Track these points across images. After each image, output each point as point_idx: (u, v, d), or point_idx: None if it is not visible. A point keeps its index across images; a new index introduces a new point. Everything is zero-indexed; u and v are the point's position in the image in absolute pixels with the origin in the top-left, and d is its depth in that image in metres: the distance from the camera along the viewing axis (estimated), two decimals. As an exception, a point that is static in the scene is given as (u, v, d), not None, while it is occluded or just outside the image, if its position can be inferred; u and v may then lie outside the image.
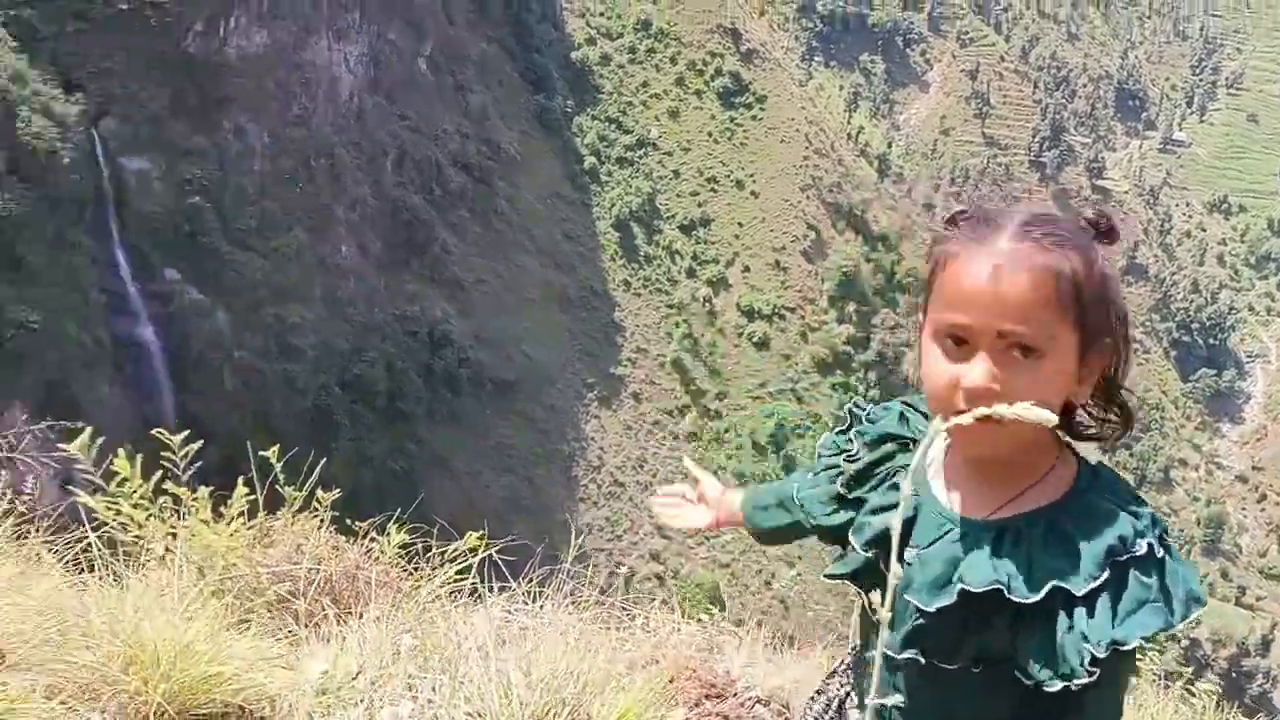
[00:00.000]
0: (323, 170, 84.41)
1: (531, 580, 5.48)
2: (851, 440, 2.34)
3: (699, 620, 6.45)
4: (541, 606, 5.31)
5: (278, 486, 5.15)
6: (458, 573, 5.21)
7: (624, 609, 5.98)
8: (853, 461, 2.29)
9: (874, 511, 2.18)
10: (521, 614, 5.19)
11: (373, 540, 5.42)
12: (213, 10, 79.39)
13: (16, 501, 5.07)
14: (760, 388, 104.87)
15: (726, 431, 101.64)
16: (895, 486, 2.15)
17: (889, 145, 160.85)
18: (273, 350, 75.86)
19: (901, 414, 2.29)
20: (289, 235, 79.56)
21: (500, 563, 5.37)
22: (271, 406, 74.17)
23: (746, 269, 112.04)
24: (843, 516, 2.29)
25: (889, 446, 2.25)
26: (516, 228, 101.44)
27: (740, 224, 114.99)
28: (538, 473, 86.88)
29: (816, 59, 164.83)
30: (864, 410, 2.38)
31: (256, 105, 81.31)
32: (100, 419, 60.17)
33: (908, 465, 1.99)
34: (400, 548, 5.34)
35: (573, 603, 5.51)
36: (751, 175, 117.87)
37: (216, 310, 73.69)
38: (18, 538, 4.82)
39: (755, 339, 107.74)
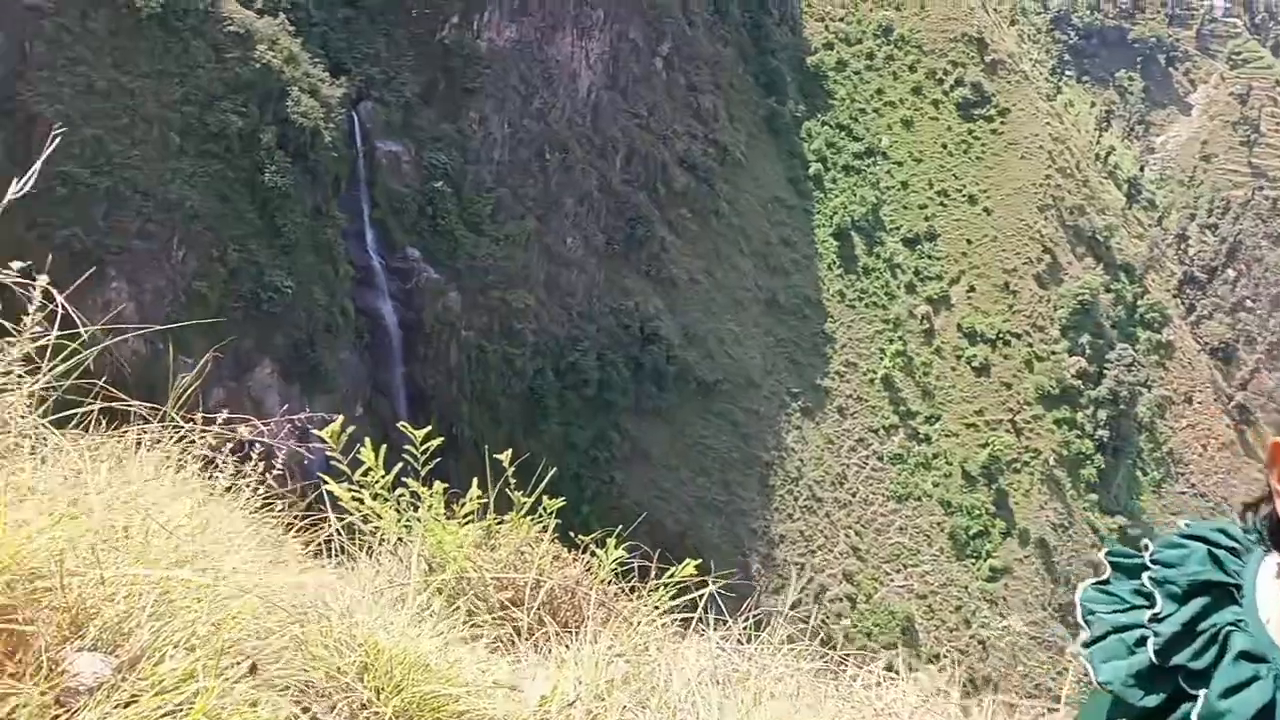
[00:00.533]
0: (555, 163, 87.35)
1: (747, 617, 5.40)
2: (1150, 594, 1.87)
3: (916, 679, 6.07)
4: (757, 647, 5.12)
5: (508, 490, 5.19)
6: (672, 598, 5.11)
7: (837, 655, 5.73)
8: (1161, 621, 1.82)
9: (1228, 693, 1.70)
10: (736, 653, 5.01)
11: (591, 554, 5.36)
12: (469, 4, 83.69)
13: (268, 476, 5.24)
14: (976, 415, 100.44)
15: (935, 457, 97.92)
16: (1243, 655, 1.71)
17: (1141, 169, 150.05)
18: (496, 331, 79.35)
19: (1209, 553, 1.84)
20: (520, 223, 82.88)
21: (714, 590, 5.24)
22: (490, 384, 77.66)
23: (972, 289, 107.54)
24: (1158, 696, 1.79)
25: (1204, 599, 1.80)
26: (734, 229, 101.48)
27: (969, 241, 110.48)
28: (733, 476, 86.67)
29: (1068, 73, 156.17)
30: (1148, 550, 1.93)
31: (500, 97, 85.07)
32: (338, 381, 64.71)
33: (1238, 623, 1.65)
34: (616, 565, 5.28)
35: (789, 644, 5.42)
36: (986, 191, 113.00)
37: (449, 289, 77.69)
38: (263, 512, 4.92)
39: (975, 363, 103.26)
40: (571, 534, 5.61)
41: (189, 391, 4.76)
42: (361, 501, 4.85)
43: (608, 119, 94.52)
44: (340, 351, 71.02)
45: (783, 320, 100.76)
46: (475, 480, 5.07)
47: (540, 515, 5.26)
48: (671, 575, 5.26)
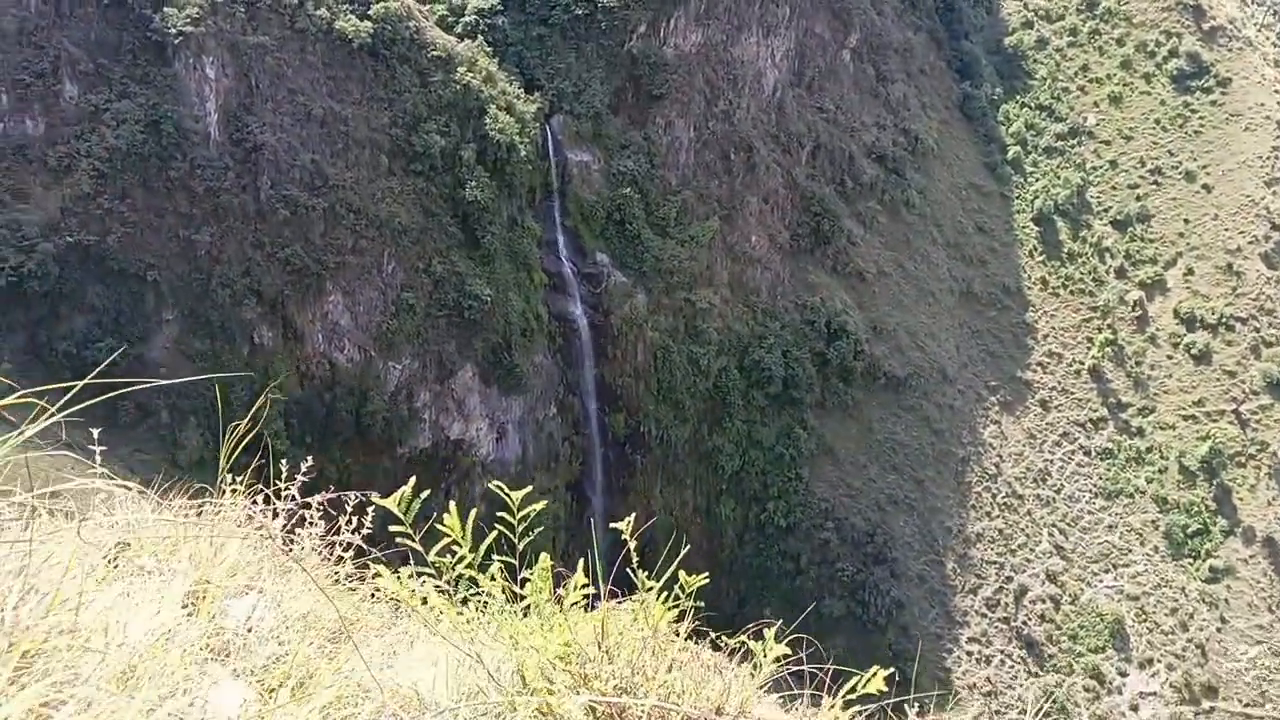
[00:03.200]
0: (740, 162, 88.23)
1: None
2: None
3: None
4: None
5: (631, 569, 4.44)
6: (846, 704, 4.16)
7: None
8: None
9: None
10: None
11: (744, 653, 4.41)
12: (656, 12, 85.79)
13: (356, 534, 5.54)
14: (1195, 406, 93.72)
15: (1148, 451, 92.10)
16: None
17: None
18: (681, 330, 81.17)
19: None
20: (704, 224, 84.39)
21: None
22: (675, 382, 79.55)
23: (1189, 272, 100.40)
24: None
25: None
26: (926, 220, 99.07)
27: (1186, 221, 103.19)
28: (927, 473, 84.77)
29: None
30: None
31: (686, 101, 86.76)
32: (533, 382, 68.59)
33: None
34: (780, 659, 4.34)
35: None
36: (1205, 167, 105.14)
37: (637, 291, 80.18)
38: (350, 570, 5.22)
39: (1194, 351, 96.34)
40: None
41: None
42: (424, 594, 4.33)
43: (793, 115, 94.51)
44: (535, 354, 74.80)
45: (979, 311, 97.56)
46: (580, 567, 4.46)
47: (675, 595, 4.25)
48: (853, 688, 4.17)
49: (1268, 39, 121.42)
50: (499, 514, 4.54)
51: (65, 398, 3.96)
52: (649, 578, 4.37)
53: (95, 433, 4.70)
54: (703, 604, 4.60)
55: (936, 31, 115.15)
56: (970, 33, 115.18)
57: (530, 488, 4.98)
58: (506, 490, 4.53)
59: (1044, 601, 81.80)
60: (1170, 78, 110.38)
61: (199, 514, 5.11)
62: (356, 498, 5.75)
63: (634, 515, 4.70)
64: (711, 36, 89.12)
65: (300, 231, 64.63)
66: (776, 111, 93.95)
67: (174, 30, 61.12)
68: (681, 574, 4.20)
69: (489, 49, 78.84)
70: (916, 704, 4.56)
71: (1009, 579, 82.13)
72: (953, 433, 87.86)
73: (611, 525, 4.93)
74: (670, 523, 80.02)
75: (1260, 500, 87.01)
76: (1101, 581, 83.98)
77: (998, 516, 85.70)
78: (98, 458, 4.55)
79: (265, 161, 63.68)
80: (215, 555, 4.68)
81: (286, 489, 5.59)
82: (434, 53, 73.78)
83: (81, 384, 3.88)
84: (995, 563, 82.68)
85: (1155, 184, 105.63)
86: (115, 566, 4.17)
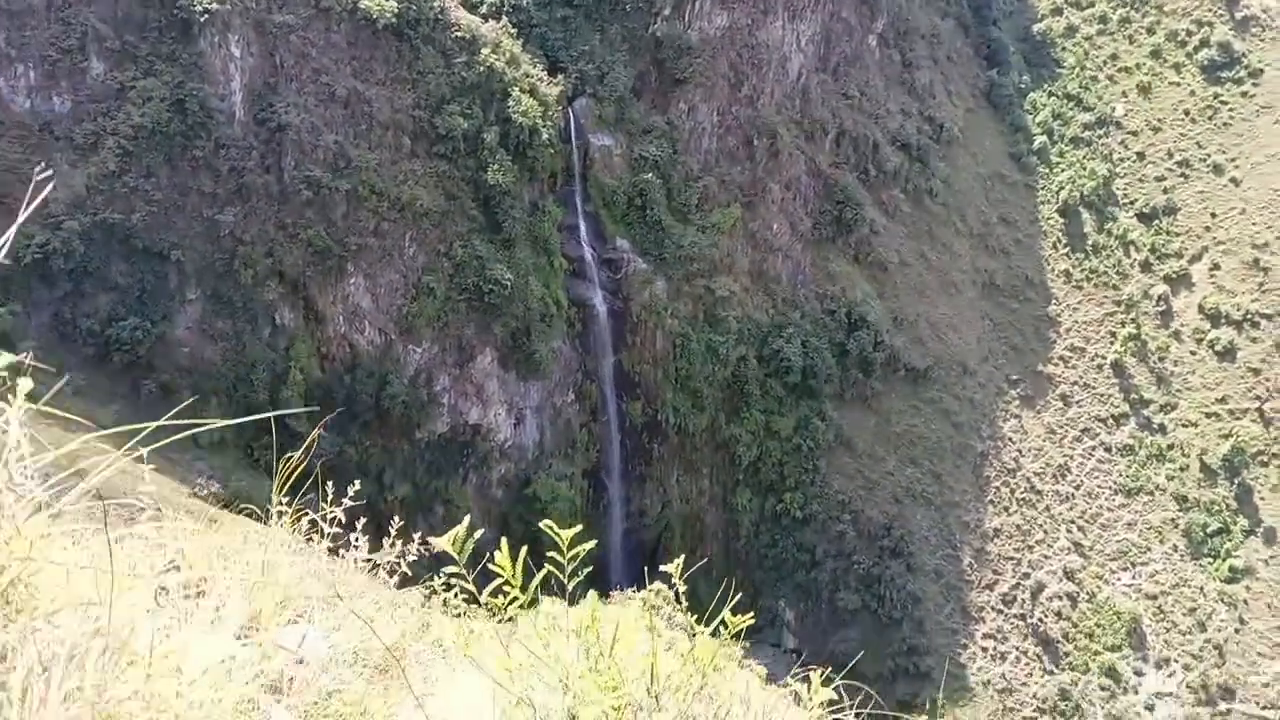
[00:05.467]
0: (763, 149, 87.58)
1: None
2: None
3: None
4: None
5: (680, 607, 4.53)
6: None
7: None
8: None
9: None
10: None
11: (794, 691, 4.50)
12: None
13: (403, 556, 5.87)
14: (1218, 403, 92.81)
15: (1170, 449, 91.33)
16: None
17: None
18: (700, 318, 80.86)
19: None
20: (726, 211, 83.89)
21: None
22: (694, 369, 79.33)
23: (1216, 266, 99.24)
24: None
25: None
26: (950, 209, 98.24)
27: (1214, 214, 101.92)
28: (945, 466, 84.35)
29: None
30: None
31: (710, 85, 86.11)
32: (551, 368, 68.57)
33: None
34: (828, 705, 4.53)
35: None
36: (1234, 160, 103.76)
37: (656, 278, 79.87)
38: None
39: (1219, 347, 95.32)
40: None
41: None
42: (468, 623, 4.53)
43: (817, 101, 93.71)
44: (554, 340, 74.70)
45: (1001, 303, 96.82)
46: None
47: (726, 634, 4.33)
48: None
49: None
50: (549, 553, 4.49)
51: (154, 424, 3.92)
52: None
53: (145, 453, 4.68)
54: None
55: (964, 17, 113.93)
56: (999, 19, 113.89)
57: (580, 526, 4.77)
58: (557, 529, 4.54)
59: (1061, 599, 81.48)
60: (1200, 68, 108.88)
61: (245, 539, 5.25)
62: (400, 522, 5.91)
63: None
64: (737, 20, 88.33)
65: (323, 213, 64.63)
66: (801, 97, 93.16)
67: (200, 8, 61.01)
68: (727, 614, 4.26)
69: (513, 30, 78.41)
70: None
71: (1026, 575, 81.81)
72: (972, 426, 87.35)
73: (661, 568, 5.03)
74: (687, 511, 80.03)
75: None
76: (1119, 579, 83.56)
77: (1016, 512, 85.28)
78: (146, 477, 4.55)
79: (289, 142, 63.63)
80: (265, 580, 4.84)
81: (332, 514, 5.78)
82: (458, 33, 73.43)
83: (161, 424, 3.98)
84: (1012, 558, 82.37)
85: (1183, 176, 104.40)
86: (165, 591, 4.20)
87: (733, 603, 4.53)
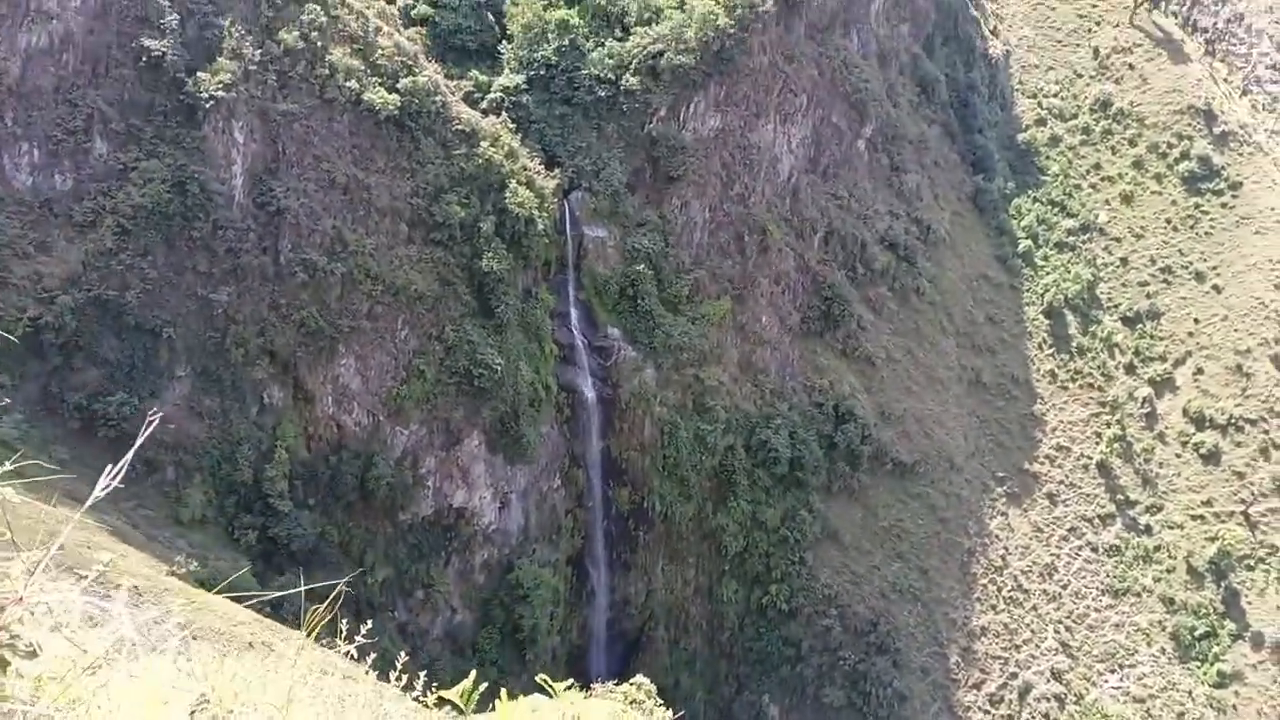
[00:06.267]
0: (753, 244, 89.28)
1: None
2: None
3: None
4: None
5: None
6: None
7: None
8: None
9: None
10: None
11: None
12: (676, 97, 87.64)
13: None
14: (1204, 506, 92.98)
15: (1157, 550, 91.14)
16: None
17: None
18: (689, 407, 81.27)
19: None
20: (716, 303, 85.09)
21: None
22: (681, 458, 79.40)
23: (1199, 371, 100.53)
24: None
25: None
26: (937, 308, 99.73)
27: (1196, 320, 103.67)
28: (932, 563, 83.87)
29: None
30: None
31: (702, 183, 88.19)
32: (539, 453, 68.56)
33: None
34: None
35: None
36: (1215, 268, 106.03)
37: (646, 366, 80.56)
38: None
39: (1203, 450, 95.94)
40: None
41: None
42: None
43: (807, 201, 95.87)
44: (542, 425, 74.89)
45: (987, 401, 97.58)
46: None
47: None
48: None
49: (1278, 145, 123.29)
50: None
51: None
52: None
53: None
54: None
55: (950, 125, 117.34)
56: (984, 128, 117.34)
57: (572, 681, 5.25)
58: (551, 683, 5.22)
59: (1048, 700, 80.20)
60: (1181, 179, 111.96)
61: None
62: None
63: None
64: (730, 122, 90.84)
65: (317, 294, 65.37)
66: (791, 196, 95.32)
67: (206, 95, 62.72)
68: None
69: (512, 125, 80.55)
70: None
71: (1013, 675, 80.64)
72: (959, 522, 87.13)
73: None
74: (671, 601, 79.13)
75: (1269, 604, 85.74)
76: (1107, 681, 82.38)
77: (1003, 610, 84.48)
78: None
79: (287, 225, 64.75)
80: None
81: (347, 651, 6.16)
82: (458, 126, 75.38)
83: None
84: (1000, 658, 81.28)
85: (1165, 282, 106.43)
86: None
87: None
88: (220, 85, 63.18)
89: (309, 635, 5.57)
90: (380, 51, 72.12)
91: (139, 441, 6.05)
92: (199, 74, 62.94)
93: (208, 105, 62.90)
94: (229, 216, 63.61)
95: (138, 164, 61.71)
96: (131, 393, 58.62)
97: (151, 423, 6.56)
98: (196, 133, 63.28)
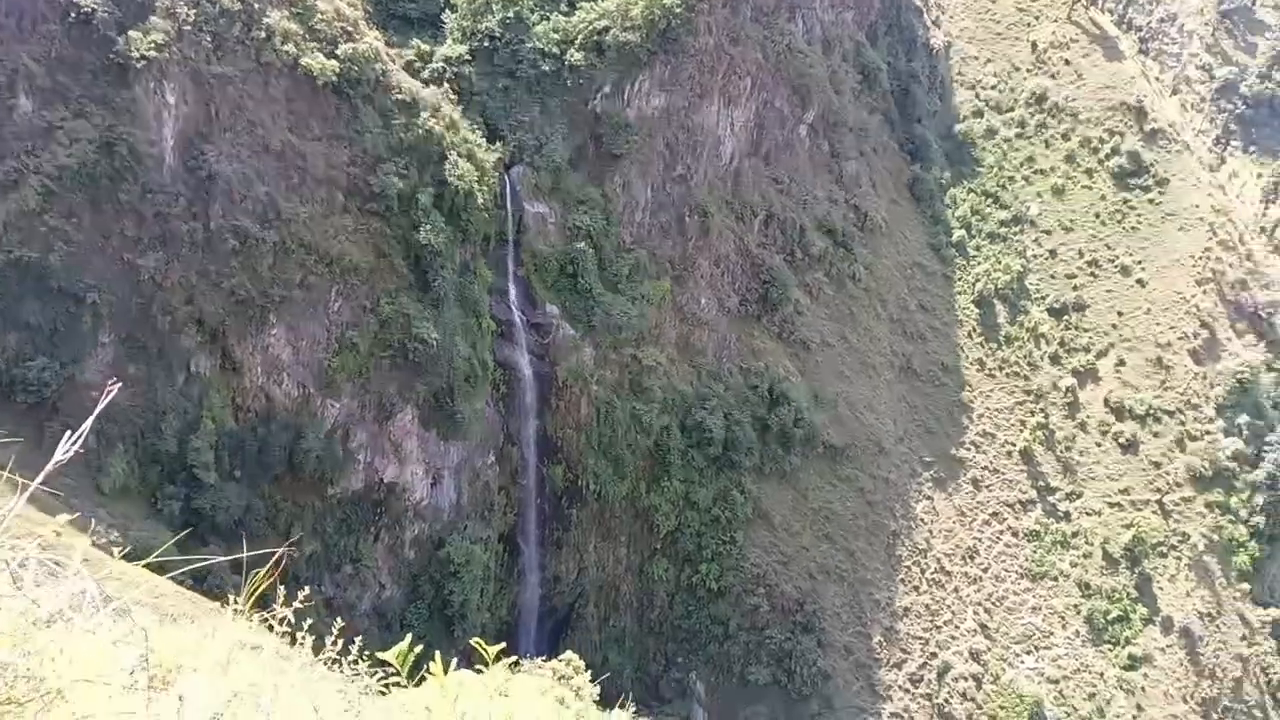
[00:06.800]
0: (694, 226, 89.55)
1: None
2: None
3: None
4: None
5: None
6: None
7: None
8: None
9: None
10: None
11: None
12: (621, 74, 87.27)
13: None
14: (1121, 494, 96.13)
15: (1074, 536, 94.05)
16: None
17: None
18: (626, 386, 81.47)
19: None
20: (655, 283, 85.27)
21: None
22: (616, 437, 79.65)
23: (1121, 362, 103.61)
24: None
25: None
26: (871, 294, 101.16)
27: (1120, 313, 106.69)
28: (859, 544, 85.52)
29: (1234, 144, 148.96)
30: None
31: (645, 162, 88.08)
32: (473, 429, 68.08)
33: None
34: None
35: None
36: (1140, 262, 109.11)
37: (584, 345, 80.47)
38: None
39: (1122, 439, 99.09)
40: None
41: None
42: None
43: (748, 184, 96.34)
44: (477, 401, 74.44)
45: (917, 387, 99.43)
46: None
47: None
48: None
49: (1203, 144, 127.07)
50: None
51: None
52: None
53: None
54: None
55: (891, 114, 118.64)
56: (923, 117, 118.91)
57: (504, 645, 5.28)
58: (485, 647, 5.49)
59: (966, 679, 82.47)
60: (1111, 174, 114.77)
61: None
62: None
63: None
64: (674, 102, 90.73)
65: (248, 263, 64.06)
66: (733, 179, 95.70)
67: (137, 54, 60.87)
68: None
69: (454, 97, 79.47)
70: None
71: (933, 655, 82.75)
72: (886, 505, 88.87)
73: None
74: (603, 579, 79.57)
75: (1179, 590, 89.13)
76: (1023, 662, 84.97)
77: (926, 592, 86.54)
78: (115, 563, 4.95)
79: (219, 190, 63.28)
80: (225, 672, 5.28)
81: (282, 614, 6.24)
82: (399, 95, 74.17)
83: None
84: (921, 638, 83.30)
85: (1092, 275, 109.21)
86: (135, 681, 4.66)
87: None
88: (152, 45, 61.35)
89: (248, 602, 5.75)
90: (319, 16, 70.53)
91: (99, 409, 6.03)
92: (130, 33, 61.04)
93: (139, 65, 61.06)
94: (158, 180, 61.97)
95: (64, 123, 59.75)
96: (53, 358, 57.04)
97: (110, 391, 6.56)
98: (126, 93, 61.43)
